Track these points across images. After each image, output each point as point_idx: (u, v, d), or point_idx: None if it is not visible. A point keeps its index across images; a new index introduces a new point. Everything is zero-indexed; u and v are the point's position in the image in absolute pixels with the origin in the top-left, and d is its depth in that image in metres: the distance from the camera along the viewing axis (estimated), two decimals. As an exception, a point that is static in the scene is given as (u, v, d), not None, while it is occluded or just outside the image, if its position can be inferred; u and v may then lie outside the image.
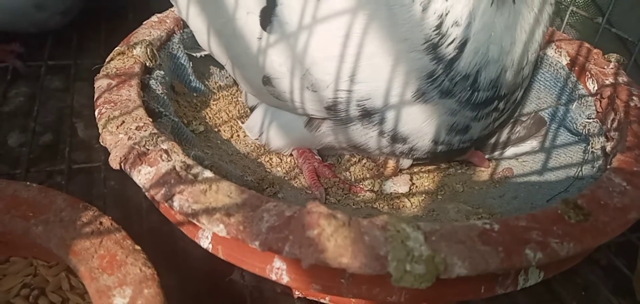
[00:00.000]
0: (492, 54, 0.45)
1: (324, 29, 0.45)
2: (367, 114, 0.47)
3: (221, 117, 0.60)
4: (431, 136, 0.48)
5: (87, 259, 0.38)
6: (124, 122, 0.43)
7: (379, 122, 0.48)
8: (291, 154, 0.57)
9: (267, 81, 0.50)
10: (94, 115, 0.45)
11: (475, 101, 0.47)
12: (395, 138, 0.49)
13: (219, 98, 0.62)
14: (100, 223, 0.41)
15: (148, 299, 0.36)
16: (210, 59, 0.61)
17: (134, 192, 0.62)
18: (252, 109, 0.59)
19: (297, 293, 0.49)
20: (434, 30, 0.44)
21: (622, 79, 0.54)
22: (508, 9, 0.45)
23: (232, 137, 0.58)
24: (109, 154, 0.41)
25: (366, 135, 0.49)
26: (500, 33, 0.45)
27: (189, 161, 0.39)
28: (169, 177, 0.37)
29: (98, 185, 0.64)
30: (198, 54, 0.61)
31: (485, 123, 0.50)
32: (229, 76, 0.64)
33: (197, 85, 0.60)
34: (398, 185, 0.55)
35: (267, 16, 0.48)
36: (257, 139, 0.57)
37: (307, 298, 0.49)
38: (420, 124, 0.47)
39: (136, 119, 0.44)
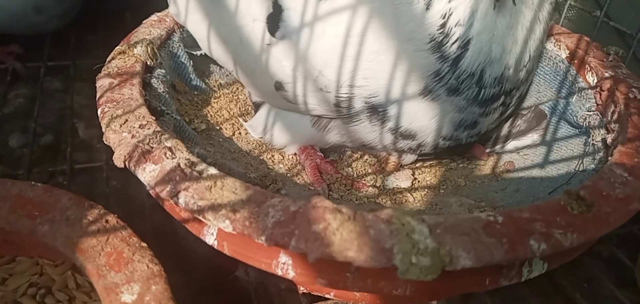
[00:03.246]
0: (495, 54, 0.46)
1: (332, 30, 0.46)
2: (374, 111, 0.48)
3: (222, 115, 0.60)
4: (439, 132, 0.49)
5: (94, 257, 0.39)
6: (127, 120, 0.43)
7: (387, 119, 0.48)
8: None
9: (279, 86, 0.50)
10: (94, 115, 0.46)
11: (483, 97, 0.47)
12: (403, 135, 0.49)
13: (220, 96, 0.62)
14: (106, 221, 0.41)
15: (156, 295, 0.36)
16: (210, 58, 0.61)
17: (137, 191, 0.62)
18: (256, 106, 0.59)
19: (301, 288, 0.49)
20: (438, 29, 0.45)
21: (622, 71, 0.54)
22: (509, 10, 0.45)
23: (233, 134, 0.58)
24: (113, 152, 0.41)
25: (374, 132, 0.50)
26: (502, 33, 0.46)
27: (194, 158, 0.39)
28: (173, 175, 0.38)
29: (100, 185, 0.64)
30: (198, 52, 0.61)
31: (492, 118, 0.50)
32: (229, 73, 0.64)
33: (198, 83, 0.60)
34: (400, 180, 0.55)
35: (275, 22, 0.48)
36: (261, 138, 0.58)
37: (312, 293, 0.49)
38: (428, 120, 0.48)
39: (139, 118, 0.44)
